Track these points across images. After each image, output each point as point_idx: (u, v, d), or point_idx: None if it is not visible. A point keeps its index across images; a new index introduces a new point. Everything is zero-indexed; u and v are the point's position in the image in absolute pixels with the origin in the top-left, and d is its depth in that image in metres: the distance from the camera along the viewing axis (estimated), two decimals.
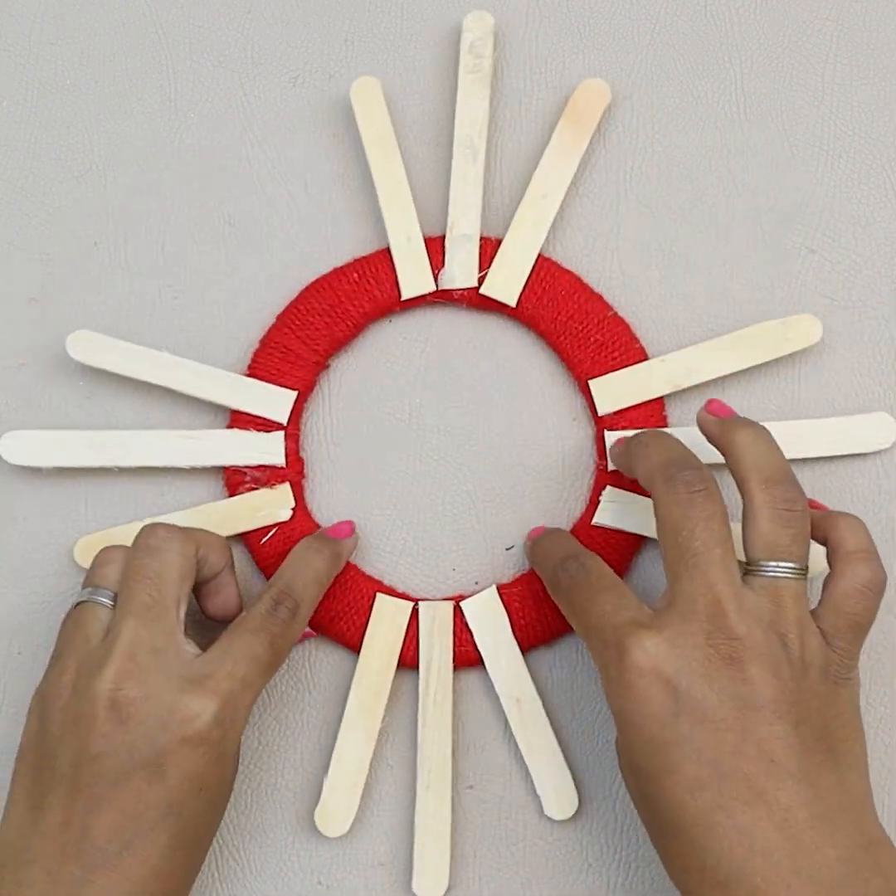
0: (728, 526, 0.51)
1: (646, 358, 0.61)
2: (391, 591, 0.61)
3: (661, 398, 0.61)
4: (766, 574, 0.50)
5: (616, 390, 0.61)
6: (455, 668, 0.60)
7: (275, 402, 0.61)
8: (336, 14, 0.64)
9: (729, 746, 0.48)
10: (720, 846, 0.48)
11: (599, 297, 0.62)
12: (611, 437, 0.61)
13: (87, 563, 0.61)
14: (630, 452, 0.55)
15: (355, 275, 0.62)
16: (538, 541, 0.59)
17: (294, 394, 0.61)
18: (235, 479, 0.61)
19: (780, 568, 0.51)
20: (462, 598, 0.61)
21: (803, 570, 0.51)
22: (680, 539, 0.50)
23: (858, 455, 0.61)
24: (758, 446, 0.52)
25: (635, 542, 0.61)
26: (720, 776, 0.48)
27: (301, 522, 0.61)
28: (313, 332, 0.61)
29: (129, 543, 0.60)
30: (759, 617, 0.49)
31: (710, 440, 0.54)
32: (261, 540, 0.61)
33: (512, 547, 0.62)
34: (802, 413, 0.61)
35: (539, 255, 0.61)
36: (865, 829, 0.49)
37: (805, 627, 0.50)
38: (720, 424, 0.54)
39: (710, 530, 0.50)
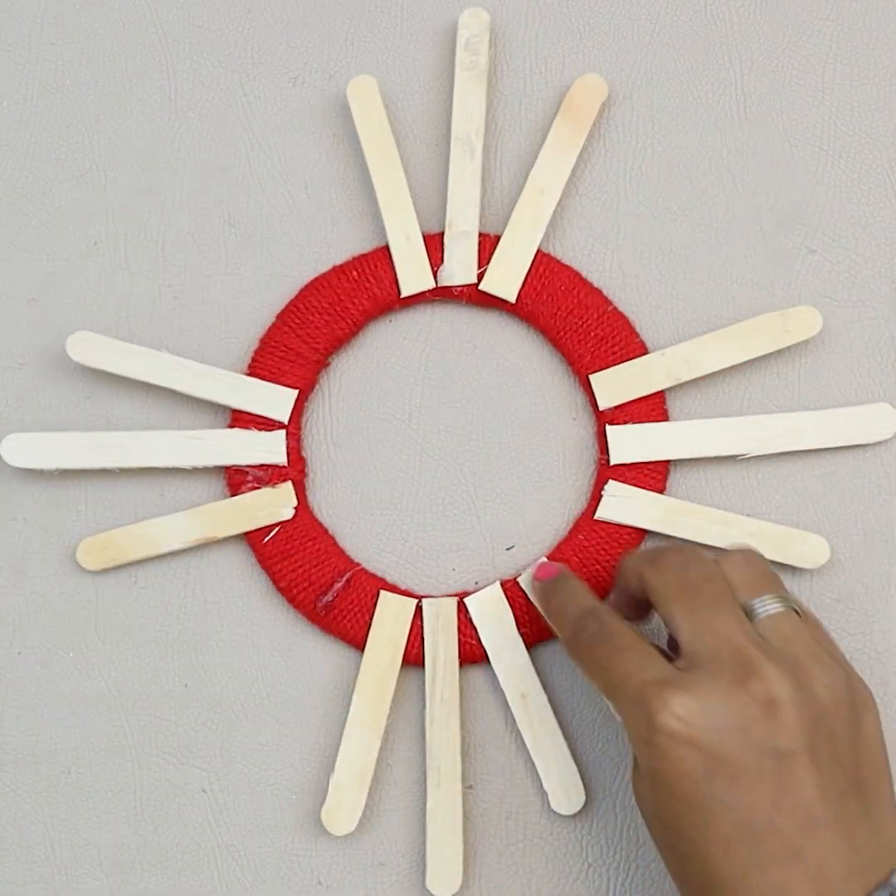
0: (726, 581, 0.51)
1: (646, 352, 0.61)
2: (394, 589, 0.61)
3: (661, 392, 0.61)
4: (760, 612, 0.50)
5: (617, 384, 0.61)
6: (459, 664, 0.60)
7: (276, 400, 0.61)
8: (336, 14, 0.64)
9: (764, 801, 0.47)
10: None
11: (599, 292, 0.62)
12: (612, 432, 0.61)
13: (89, 565, 0.61)
14: (619, 569, 0.55)
15: (355, 273, 0.62)
16: (550, 594, 0.57)
17: (295, 392, 0.61)
18: (237, 479, 0.61)
19: (767, 602, 0.51)
20: (464, 596, 0.61)
21: (788, 600, 0.51)
22: (686, 600, 0.50)
23: (859, 448, 0.61)
24: (656, 568, 0.52)
25: (638, 536, 0.61)
26: (754, 834, 0.47)
27: (303, 521, 0.61)
28: (313, 330, 0.61)
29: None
30: (779, 657, 0.49)
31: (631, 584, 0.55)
32: (263, 539, 0.61)
33: (512, 547, 0.62)
34: (802, 410, 0.61)
35: (538, 251, 0.61)
36: None
37: (817, 655, 0.50)
38: (635, 568, 0.54)
39: (712, 585, 0.50)
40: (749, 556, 0.53)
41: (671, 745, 0.47)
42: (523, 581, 0.61)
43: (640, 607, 0.55)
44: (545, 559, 0.60)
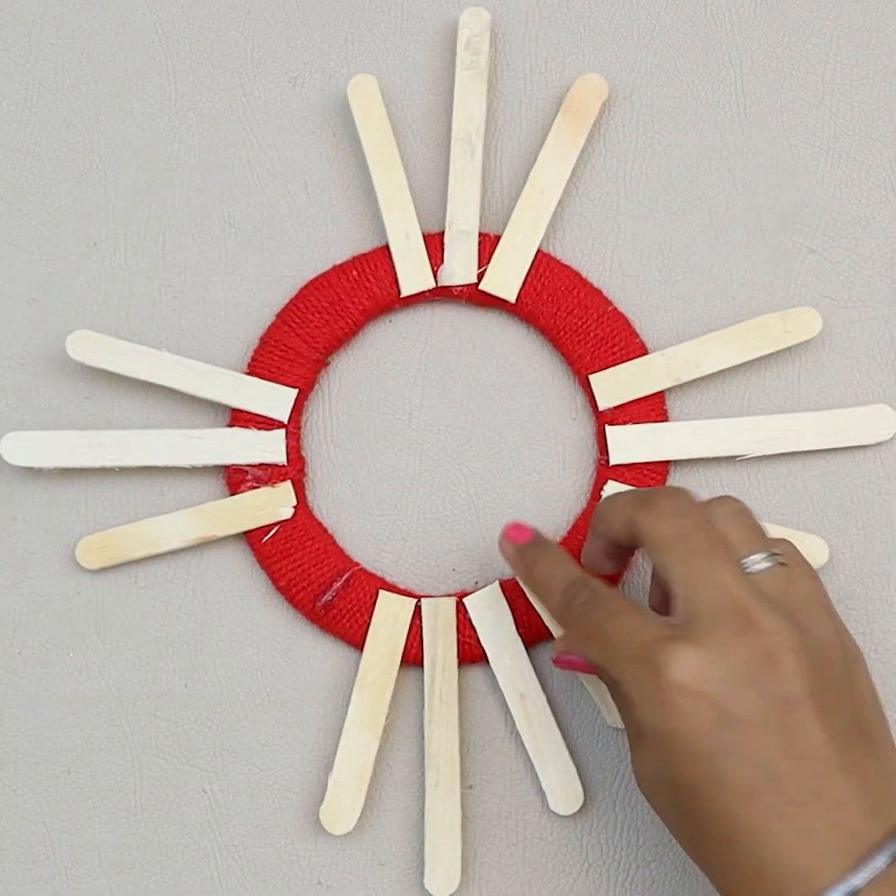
0: (717, 531, 0.51)
1: (646, 352, 0.61)
2: (393, 589, 0.61)
3: (661, 392, 0.61)
4: (753, 569, 0.50)
5: (616, 385, 0.61)
6: (458, 664, 0.60)
7: (275, 399, 0.61)
8: (336, 14, 0.64)
9: (778, 749, 0.47)
10: (779, 852, 0.46)
11: (599, 292, 0.62)
12: (612, 432, 0.61)
13: (87, 563, 0.61)
14: (599, 513, 0.55)
15: (355, 272, 0.62)
16: (531, 562, 0.56)
17: (295, 392, 0.61)
18: (236, 478, 0.61)
19: (759, 560, 0.50)
20: (464, 595, 0.61)
21: (777, 556, 0.51)
22: (684, 550, 0.50)
23: (859, 449, 0.61)
24: (650, 513, 0.52)
25: None
26: (773, 781, 0.47)
27: (303, 521, 0.61)
28: (313, 329, 0.61)
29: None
30: (778, 607, 0.49)
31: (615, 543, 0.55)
32: (262, 539, 0.61)
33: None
34: (802, 410, 0.61)
35: (538, 251, 0.61)
36: None
37: (808, 608, 0.50)
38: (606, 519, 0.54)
39: (707, 535, 0.50)
40: (738, 509, 0.52)
41: (683, 700, 0.47)
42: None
43: (617, 554, 0.55)
44: (518, 521, 0.59)
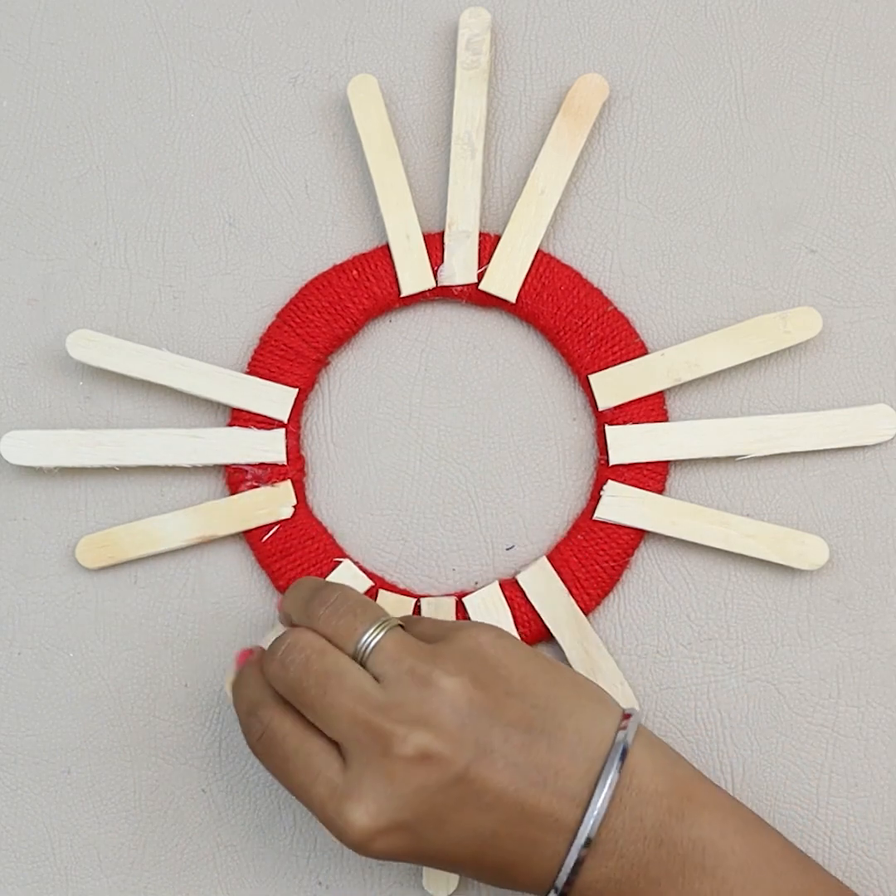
0: (333, 652, 0.51)
1: (646, 352, 0.61)
2: (393, 588, 0.61)
3: (661, 392, 0.61)
4: (366, 651, 0.51)
5: (616, 385, 0.61)
6: None
7: (275, 399, 0.61)
8: (336, 14, 0.64)
9: (484, 824, 0.49)
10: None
11: (599, 292, 0.62)
12: (612, 432, 0.61)
13: (87, 563, 0.61)
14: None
15: (355, 272, 0.62)
16: (235, 681, 0.55)
17: (294, 391, 0.61)
18: (236, 478, 0.61)
19: (367, 640, 0.51)
20: (464, 595, 0.61)
21: (385, 621, 0.51)
22: (303, 701, 0.50)
23: (859, 449, 0.61)
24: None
25: (637, 536, 0.61)
26: (485, 847, 0.50)
27: (302, 520, 0.61)
28: (313, 329, 0.61)
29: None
30: (402, 698, 0.49)
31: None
32: (262, 538, 0.61)
33: (512, 547, 0.62)
34: (802, 410, 0.61)
35: (538, 251, 0.61)
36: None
37: (425, 654, 0.51)
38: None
39: (310, 675, 0.50)
40: (333, 605, 0.52)
41: (376, 846, 0.49)
42: (522, 580, 0.61)
43: None
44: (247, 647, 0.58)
